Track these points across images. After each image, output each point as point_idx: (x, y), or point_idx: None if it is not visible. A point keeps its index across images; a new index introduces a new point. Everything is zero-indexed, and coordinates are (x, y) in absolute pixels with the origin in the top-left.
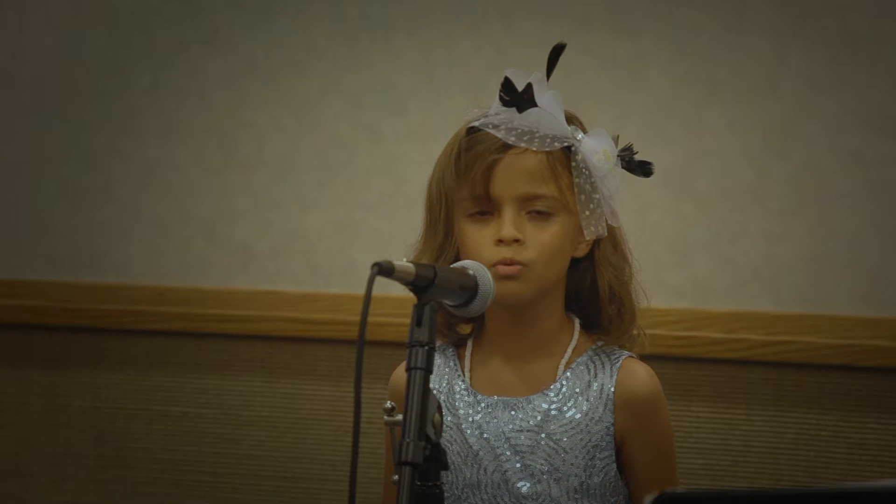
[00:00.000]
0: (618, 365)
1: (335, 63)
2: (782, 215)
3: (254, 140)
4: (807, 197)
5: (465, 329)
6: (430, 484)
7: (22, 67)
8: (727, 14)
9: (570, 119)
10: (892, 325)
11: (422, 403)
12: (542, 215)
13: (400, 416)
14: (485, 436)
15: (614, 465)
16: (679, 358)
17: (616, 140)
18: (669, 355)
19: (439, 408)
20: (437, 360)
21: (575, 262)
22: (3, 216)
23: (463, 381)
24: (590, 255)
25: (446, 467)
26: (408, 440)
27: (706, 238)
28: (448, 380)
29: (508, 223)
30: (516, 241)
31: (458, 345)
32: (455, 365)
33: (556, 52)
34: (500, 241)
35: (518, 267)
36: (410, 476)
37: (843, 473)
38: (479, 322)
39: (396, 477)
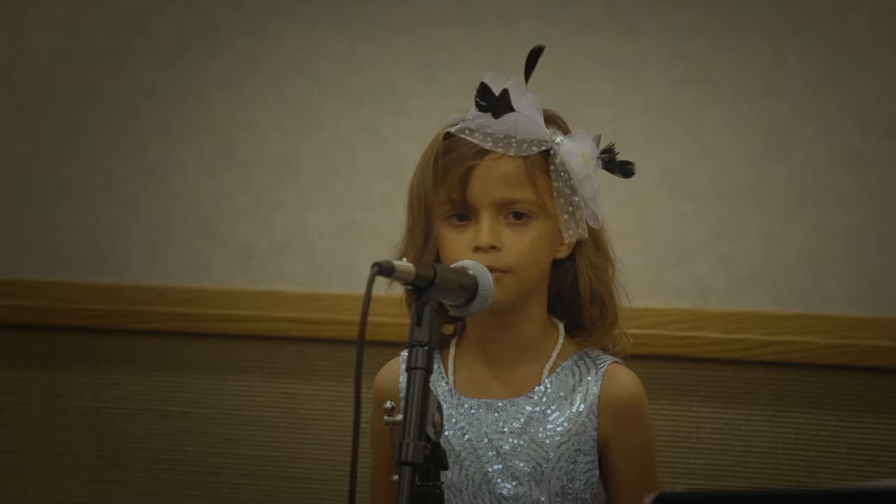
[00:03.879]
0: (603, 370)
1: (335, 63)
2: (782, 215)
3: (254, 140)
4: (807, 197)
5: (449, 329)
6: (430, 484)
7: (22, 67)
8: (727, 14)
9: (551, 120)
10: (892, 325)
11: (422, 403)
12: (519, 220)
13: (400, 417)
14: (467, 437)
15: (597, 471)
16: (679, 358)
17: (598, 141)
18: (669, 355)
19: (439, 407)
20: None
21: (557, 264)
22: (3, 216)
23: (446, 382)
24: (571, 257)
25: (446, 467)
26: (408, 440)
27: (706, 238)
28: (432, 381)
29: (486, 230)
30: (493, 247)
31: (441, 346)
32: (438, 367)
33: (535, 55)
34: (477, 248)
35: (497, 274)
36: (410, 476)
37: (843, 473)
38: (460, 324)
39: (396, 477)
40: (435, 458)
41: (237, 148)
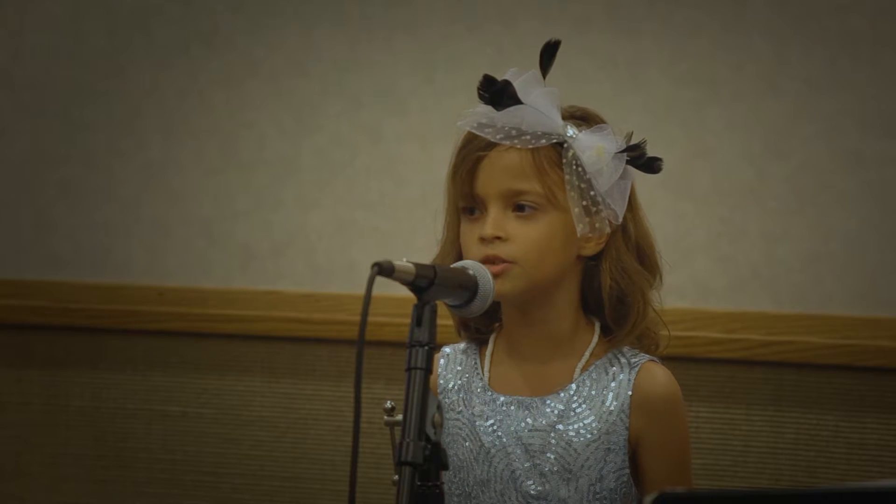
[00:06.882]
0: (637, 368)
1: (335, 63)
2: (782, 215)
3: (254, 140)
4: (807, 197)
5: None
6: (430, 484)
7: (22, 67)
8: (727, 14)
9: (576, 116)
10: (892, 325)
11: (422, 403)
12: (527, 212)
13: (400, 416)
14: (497, 433)
15: (627, 471)
16: (679, 358)
17: (629, 137)
18: (669, 355)
19: (439, 407)
20: (460, 357)
21: (589, 263)
22: (3, 216)
23: (481, 378)
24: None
25: (446, 467)
26: (408, 440)
27: (706, 238)
28: (468, 377)
29: (490, 221)
30: (498, 238)
31: (481, 343)
32: (476, 363)
33: (549, 49)
34: (482, 239)
35: (502, 265)
36: (410, 476)
37: (843, 473)
38: (498, 324)
39: (396, 477)
40: (435, 458)
41: (237, 148)
